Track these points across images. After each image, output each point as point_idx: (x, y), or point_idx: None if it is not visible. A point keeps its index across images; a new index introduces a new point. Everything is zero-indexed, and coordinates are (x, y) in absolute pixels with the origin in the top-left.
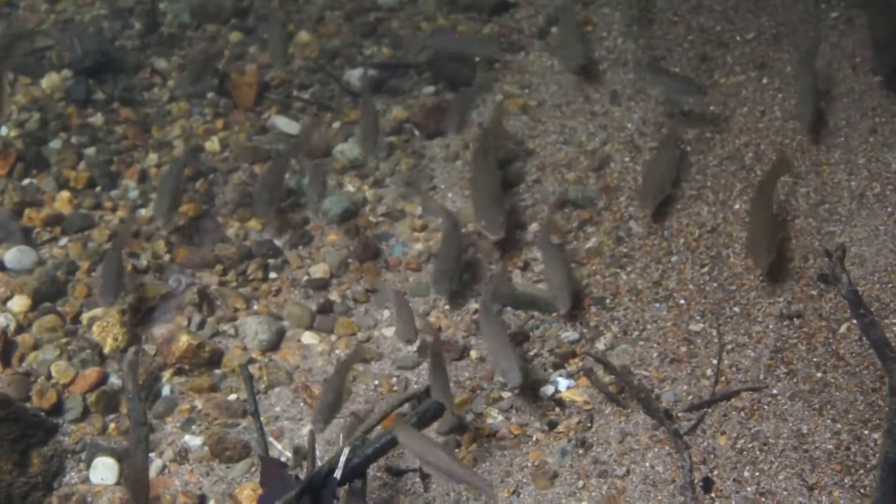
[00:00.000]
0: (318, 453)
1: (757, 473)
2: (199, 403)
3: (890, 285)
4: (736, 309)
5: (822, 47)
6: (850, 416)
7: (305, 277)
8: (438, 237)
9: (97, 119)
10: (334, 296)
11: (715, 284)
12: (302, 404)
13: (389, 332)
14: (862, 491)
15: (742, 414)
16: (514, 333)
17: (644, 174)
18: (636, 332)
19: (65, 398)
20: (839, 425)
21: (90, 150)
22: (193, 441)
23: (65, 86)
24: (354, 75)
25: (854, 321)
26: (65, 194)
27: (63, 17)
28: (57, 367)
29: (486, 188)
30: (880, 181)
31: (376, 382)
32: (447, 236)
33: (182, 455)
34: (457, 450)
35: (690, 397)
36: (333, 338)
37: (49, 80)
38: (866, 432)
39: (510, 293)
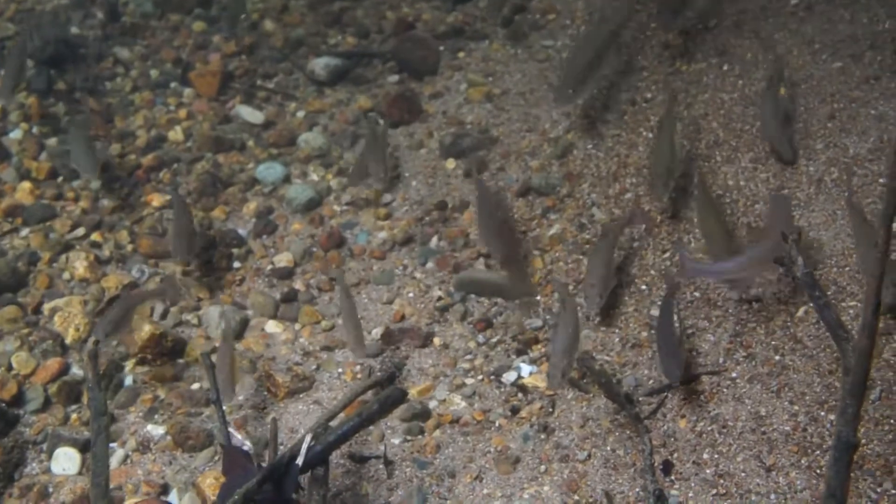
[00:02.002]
0: (279, 440)
1: (716, 456)
2: (161, 393)
3: (847, 269)
4: (696, 294)
5: (782, 34)
6: (808, 398)
7: (269, 266)
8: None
9: (59, 109)
10: (298, 285)
11: (676, 270)
12: (265, 392)
13: None
14: (818, 471)
15: (702, 397)
16: (478, 320)
17: (651, 163)
18: (598, 318)
19: (26, 389)
20: (796, 407)
21: (52, 141)
22: (156, 430)
23: (26, 76)
24: (319, 64)
25: (811, 304)
26: (26, 185)
27: (24, 7)
28: (18, 358)
29: None
30: (838, 166)
31: (340, 370)
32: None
33: (145, 444)
34: (420, 436)
35: (651, 381)
36: (297, 326)
37: None
38: (823, 413)
39: (474, 280)
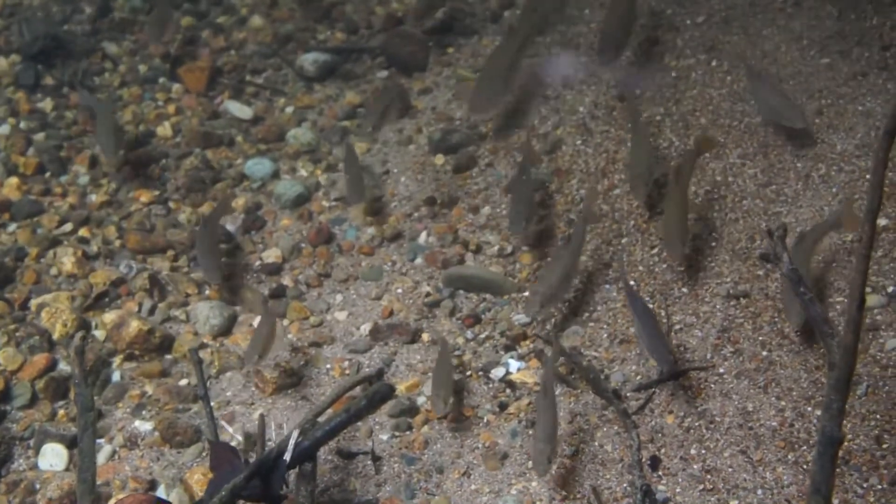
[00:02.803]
0: (268, 436)
1: (703, 451)
2: (149, 389)
3: (834, 264)
4: (684, 290)
5: (770, 30)
6: (794, 393)
7: (258, 262)
8: None
9: (46, 104)
10: (287, 280)
11: (664, 266)
12: (253, 388)
13: (342, 315)
14: (805, 466)
15: (689, 393)
16: (467, 316)
17: (629, 164)
18: (586, 314)
19: (13, 385)
20: (783, 403)
21: (39, 136)
22: (144, 426)
23: (13, 71)
24: (308, 59)
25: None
26: (13, 180)
27: (11, 1)
28: (4, 354)
29: None
30: (825, 162)
31: (328, 366)
32: None
33: (132, 440)
34: (407, 432)
35: (639, 377)
36: (286, 322)
37: None
38: (809, 409)
39: (462, 276)
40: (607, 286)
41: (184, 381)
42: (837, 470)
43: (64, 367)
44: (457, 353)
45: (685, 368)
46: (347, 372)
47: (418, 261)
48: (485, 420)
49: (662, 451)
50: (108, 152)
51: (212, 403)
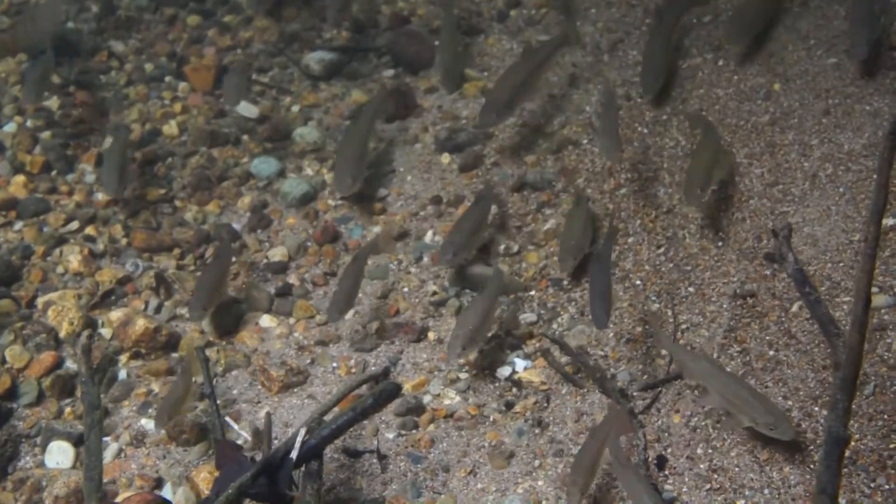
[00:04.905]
0: (273, 434)
1: (710, 451)
2: (155, 387)
3: (841, 264)
4: (691, 289)
5: (777, 29)
6: (801, 393)
7: (264, 261)
8: None
9: (53, 103)
10: (293, 279)
11: (671, 265)
12: (259, 387)
13: (348, 314)
14: (812, 466)
15: (696, 393)
16: None
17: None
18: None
19: (19, 382)
20: (790, 402)
21: (46, 134)
22: (150, 424)
23: (20, 69)
24: (314, 58)
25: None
26: (20, 178)
27: (18, 0)
28: (11, 352)
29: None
30: (832, 162)
31: (334, 364)
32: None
33: (139, 438)
34: (414, 431)
35: (645, 377)
36: (292, 321)
37: (4, 64)
38: (816, 409)
39: (469, 274)
40: (613, 286)
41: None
42: (844, 470)
43: (70, 364)
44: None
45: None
46: (353, 370)
47: (424, 260)
48: (491, 419)
49: (669, 450)
50: (109, 188)
51: (217, 401)
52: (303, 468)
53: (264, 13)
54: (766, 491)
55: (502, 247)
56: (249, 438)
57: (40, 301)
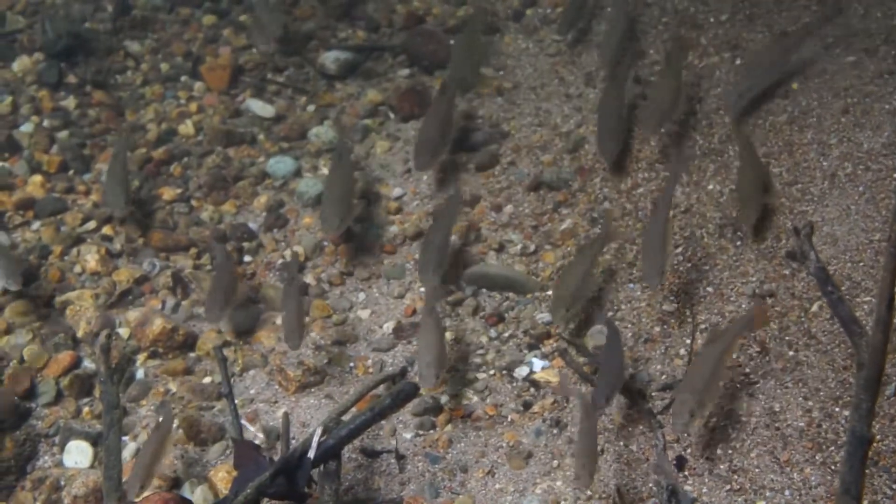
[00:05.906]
0: (291, 434)
1: (729, 451)
2: (173, 387)
3: (861, 264)
4: (709, 289)
5: (795, 28)
6: (822, 393)
7: (280, 260)
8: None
9: (70, 102)
10: (309, 278)
11: (689, 265)
12: (277, 386)
13: (365, 313)
14: (833, 467)
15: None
16: (490, 315)
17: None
18: (610, 313)
19: (38, 382)
20: (811, 403)
21: (63, 134)
22: None
23: (37, 69)
24: (329, 58)
25: (824, 299)
26: (37, 178)
27: (34, 0)
28: (30, 351)
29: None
30: (852, 161)
31: (352, 364)
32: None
33: None
34: (431, 431)
35: (664, 377)
36: (308, 320)
37: (21, 64)
38: (837, 409)
39: (485, 274)
40: (631, 285)
41: (207, 379)
42: (866, 471)
43: (88, 364)
44: (480, 351)
45: None
46: (371, 370)
47: None
48: (509, 419)
49: (688, 450)
50: (112, 204)
51: (235, 401)
52: (321, 468)
53: (274, 49)
54: (786, 492)
55: (519, 246)
56: (262, 437)
57: (58, 300)
